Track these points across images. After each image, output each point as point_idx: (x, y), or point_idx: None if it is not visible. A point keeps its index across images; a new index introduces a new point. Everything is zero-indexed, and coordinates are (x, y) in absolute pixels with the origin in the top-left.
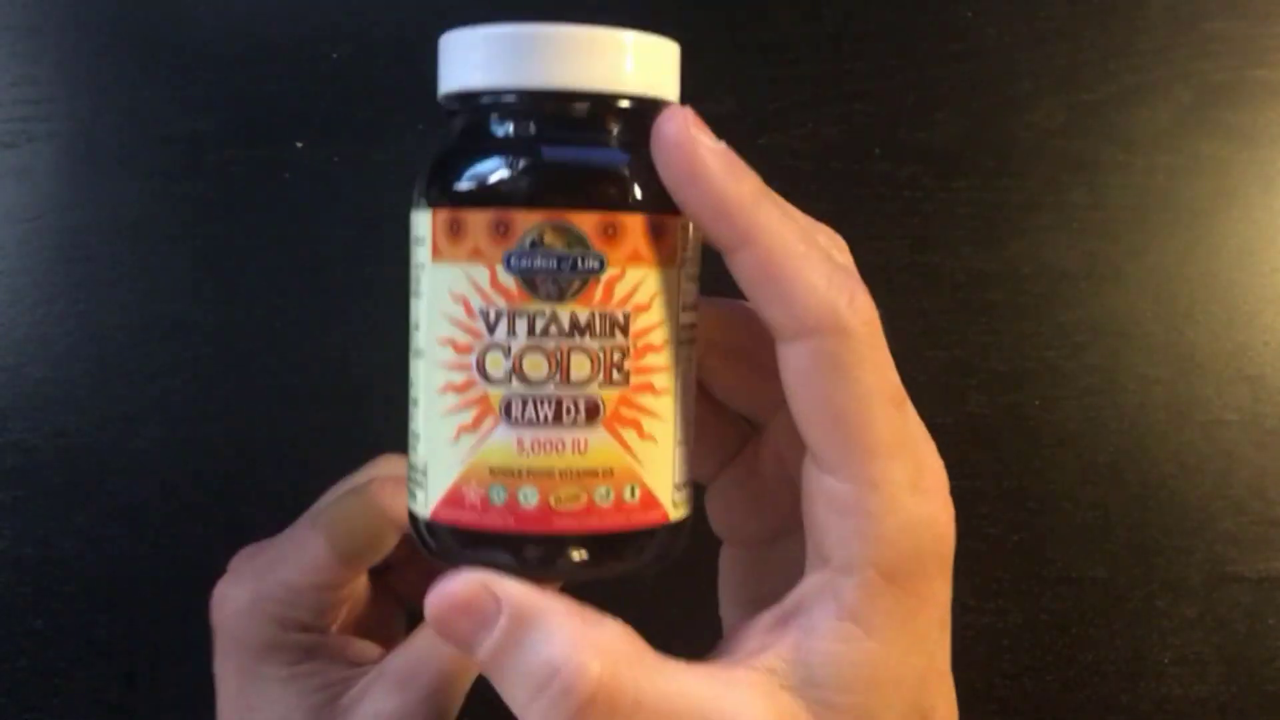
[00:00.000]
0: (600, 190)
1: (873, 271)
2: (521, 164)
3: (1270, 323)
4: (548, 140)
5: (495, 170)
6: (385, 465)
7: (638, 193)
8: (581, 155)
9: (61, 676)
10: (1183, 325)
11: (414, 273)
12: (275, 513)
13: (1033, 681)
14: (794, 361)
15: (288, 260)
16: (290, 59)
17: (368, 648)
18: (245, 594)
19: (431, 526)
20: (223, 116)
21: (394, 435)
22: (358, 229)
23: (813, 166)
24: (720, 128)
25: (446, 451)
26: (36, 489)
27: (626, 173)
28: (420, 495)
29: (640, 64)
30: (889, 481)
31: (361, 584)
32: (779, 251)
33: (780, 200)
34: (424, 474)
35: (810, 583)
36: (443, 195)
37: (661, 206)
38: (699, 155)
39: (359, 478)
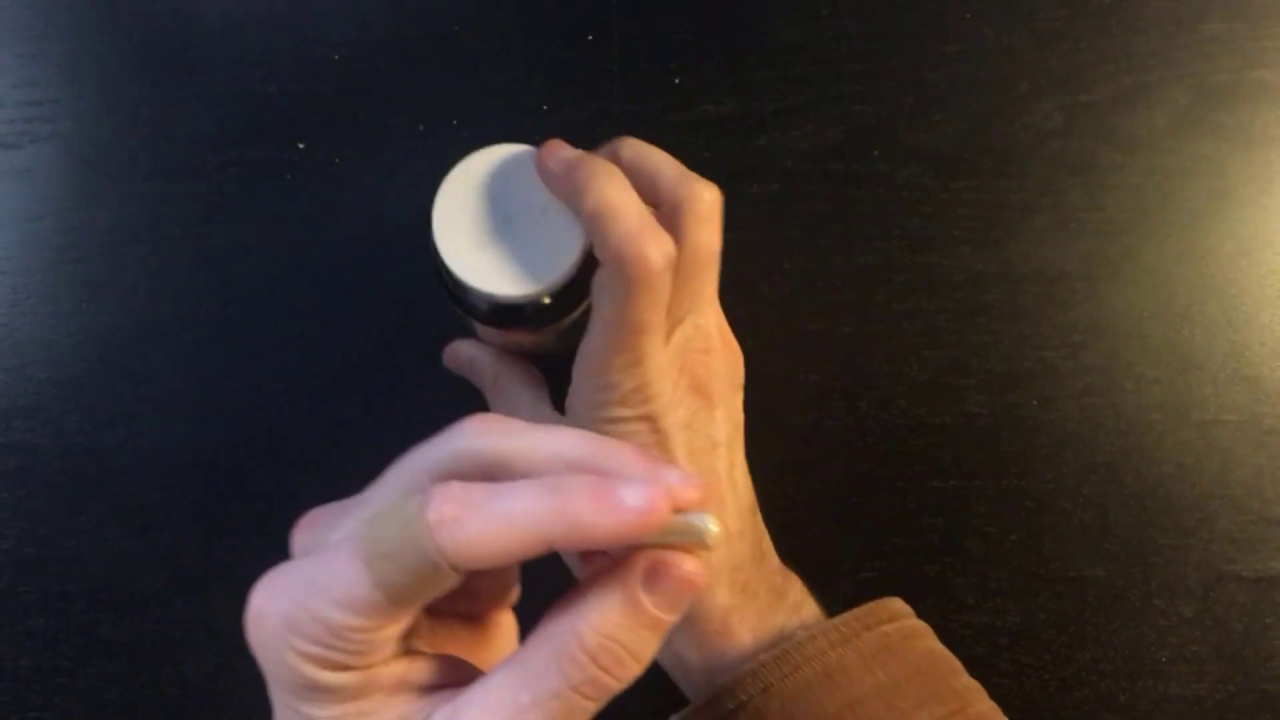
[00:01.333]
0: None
1: (872, 271)
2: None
3: (1267, 323)
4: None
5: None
6: (467, 435)
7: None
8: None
9: (63, 675)
10: (1180, 325)
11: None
12: (275, 513)
13: (1031, 680)
14: (602, 275)
15: (288, 261)
16: (292, 61)
17: (437, 668)
18: (276, 621)
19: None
20: (224, 118)
21: (394, 434)
22: (359, 230)
23: (813, 166)
24: (720, 128)
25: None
26: (39, 488)
27: (529, 313)
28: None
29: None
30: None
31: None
32: (606, 206)
33: (619, 180)
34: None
35: None
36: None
37: (537, 326)
38: (555, 163)
39: (417, 465)
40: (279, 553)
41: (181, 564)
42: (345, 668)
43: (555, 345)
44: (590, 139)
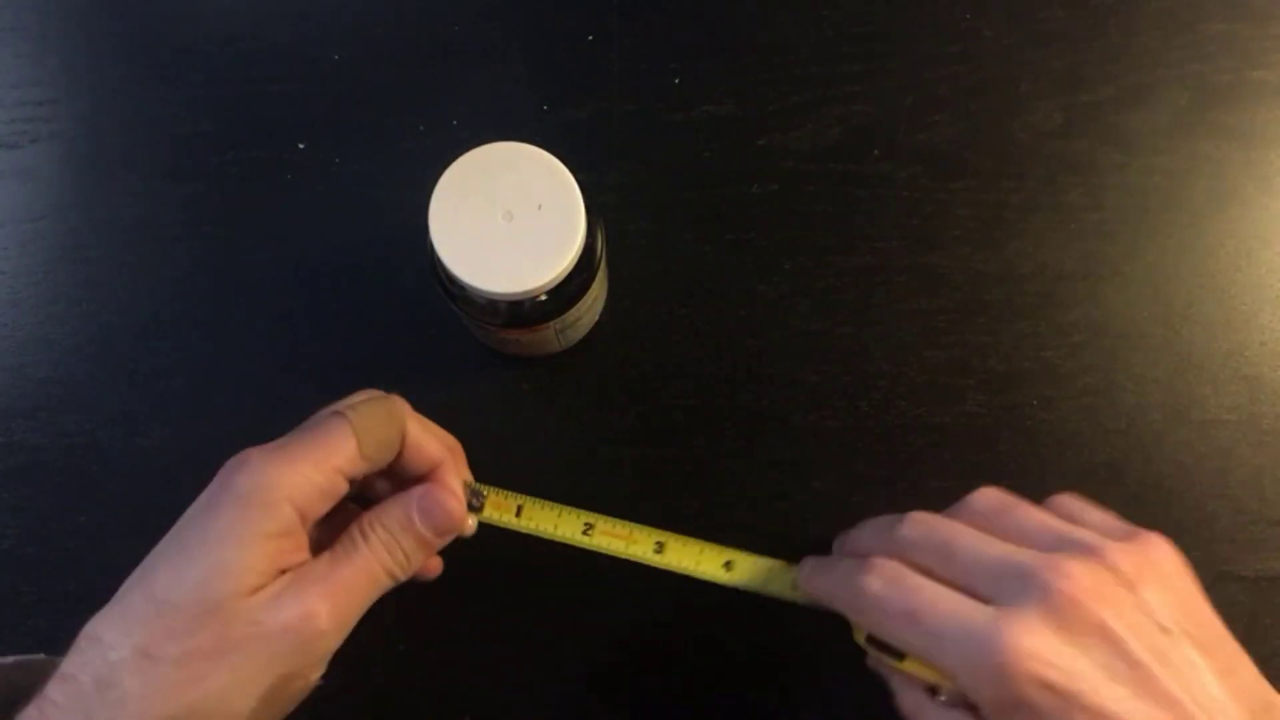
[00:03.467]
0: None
1: (872, 271)
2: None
3: (1267, 323)
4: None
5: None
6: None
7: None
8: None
9: None
10: (1180, 325)
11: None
12: None
13: None
14: None
15: (289, 261)
16: (292, 61)
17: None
18: (281, 469)
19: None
20: (225, 118)
21: None
22: (359, 230)
23: (813, 166)
24: (720, 128)
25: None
26: (40, 488)
27: (525, 311)
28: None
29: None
30: None
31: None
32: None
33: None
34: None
35: None
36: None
37: (533, 324)
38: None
39: (357, 397)
40: None
41: None
42: (307, 518)
43: (553, 343)
44: (590, 139)
